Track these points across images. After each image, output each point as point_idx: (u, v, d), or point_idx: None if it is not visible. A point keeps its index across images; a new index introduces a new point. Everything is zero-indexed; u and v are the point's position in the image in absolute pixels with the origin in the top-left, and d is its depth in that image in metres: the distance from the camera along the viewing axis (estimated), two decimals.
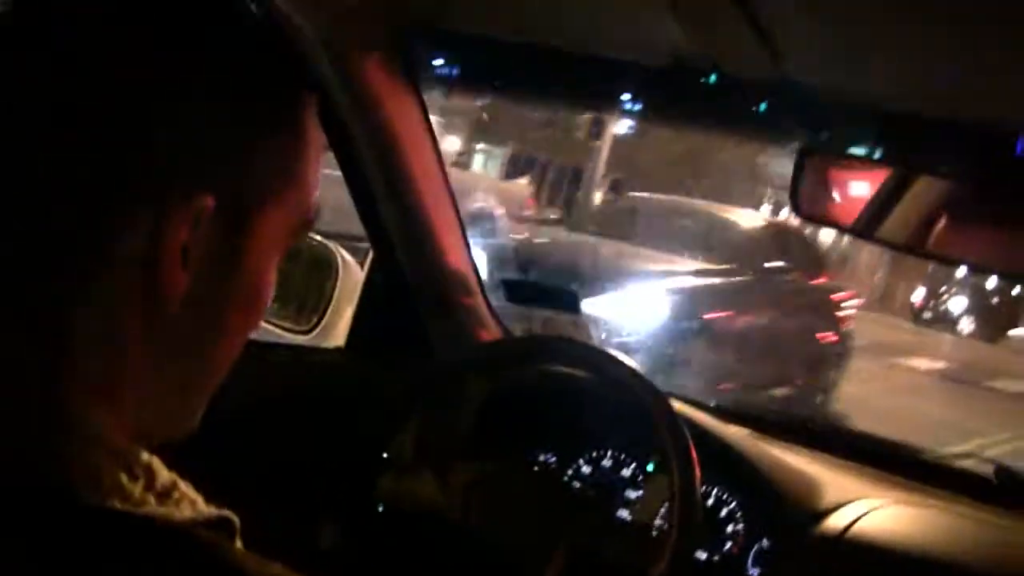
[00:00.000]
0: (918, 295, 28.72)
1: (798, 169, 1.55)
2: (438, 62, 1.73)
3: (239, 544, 0.68)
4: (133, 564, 0.61)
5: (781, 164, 15.80)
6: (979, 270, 1.80)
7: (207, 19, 0.70)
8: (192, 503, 0.68)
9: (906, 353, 15.11)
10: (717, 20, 1.23)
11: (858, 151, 1.58)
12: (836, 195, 1.61)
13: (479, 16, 1.55)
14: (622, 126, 20.31)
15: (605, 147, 20.66)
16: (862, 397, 9.26)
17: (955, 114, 1.42)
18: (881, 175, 1.56)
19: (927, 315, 27.19)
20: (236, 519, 0.68)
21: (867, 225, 1.58)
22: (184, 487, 0.68)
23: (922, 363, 14.96)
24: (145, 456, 0.67)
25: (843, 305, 9.90)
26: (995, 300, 24.74)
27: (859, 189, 1.59)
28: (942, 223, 1.52)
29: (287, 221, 0.76)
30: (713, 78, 1.47)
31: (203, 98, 0.68)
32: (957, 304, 26.23)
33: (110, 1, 0.68)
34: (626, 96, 1.68)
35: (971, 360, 16.45)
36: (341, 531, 1.64)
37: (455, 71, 1.77)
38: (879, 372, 12.19)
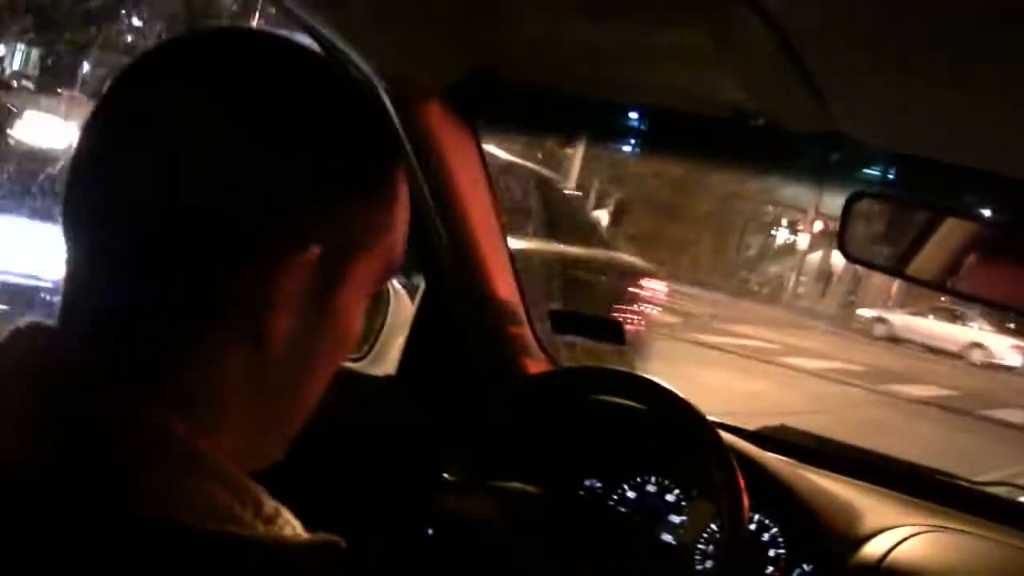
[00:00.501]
0: None
1: (846, 214, 1.62)
2: (497, 109, 1.79)
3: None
4: None
5: None
6: (1007, 309, 1.83)
7: (316, 96, 0.77)
8: (294, 529, 0.73)
9: None
10: (772, 76, 1.28)
11: (902, 196, 1.64)
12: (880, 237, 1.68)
13: (537, 68, 1.61)
14: None
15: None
16: None
17: (992, 164, 1.48)
18: (922, 218, 1.63)
19: None
20: (343, 542, 0.72)
21: (903, 264, 1.65)
22: (287, 514, 0.73)
23: None
24: (251, 485, 0.72)
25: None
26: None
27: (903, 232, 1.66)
28: (972, 263, 1.60)
29: (375, 269, 0.81)
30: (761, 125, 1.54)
31: (312, 164, 0.74)
32: None
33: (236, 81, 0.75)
34: (680, 143, 1.74)
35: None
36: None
37: (513, 118, 1.84)
38: None
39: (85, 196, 0.75)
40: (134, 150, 0.72)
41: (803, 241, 35.08)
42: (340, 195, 0.76)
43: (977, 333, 25.89)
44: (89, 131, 0.75)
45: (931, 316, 26.94)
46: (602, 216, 18.69)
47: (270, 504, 0.73)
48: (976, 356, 25.04)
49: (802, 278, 36.50)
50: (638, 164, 25.36)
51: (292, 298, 0.74)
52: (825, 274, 36.43)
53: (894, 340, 26.33)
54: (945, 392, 16.33)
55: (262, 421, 0.79)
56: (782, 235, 38.04)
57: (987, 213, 1.62)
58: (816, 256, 36.54)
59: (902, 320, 27.90)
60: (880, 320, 28.39)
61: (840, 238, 1.62)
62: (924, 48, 1.05)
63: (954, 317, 26.55)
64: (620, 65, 1.50)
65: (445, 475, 1.74)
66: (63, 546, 0.64)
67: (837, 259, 36.83)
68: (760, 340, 17.85)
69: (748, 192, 32.44)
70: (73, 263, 0.75)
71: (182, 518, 0.66)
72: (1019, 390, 19.60)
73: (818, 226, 33.24)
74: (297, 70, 0.78)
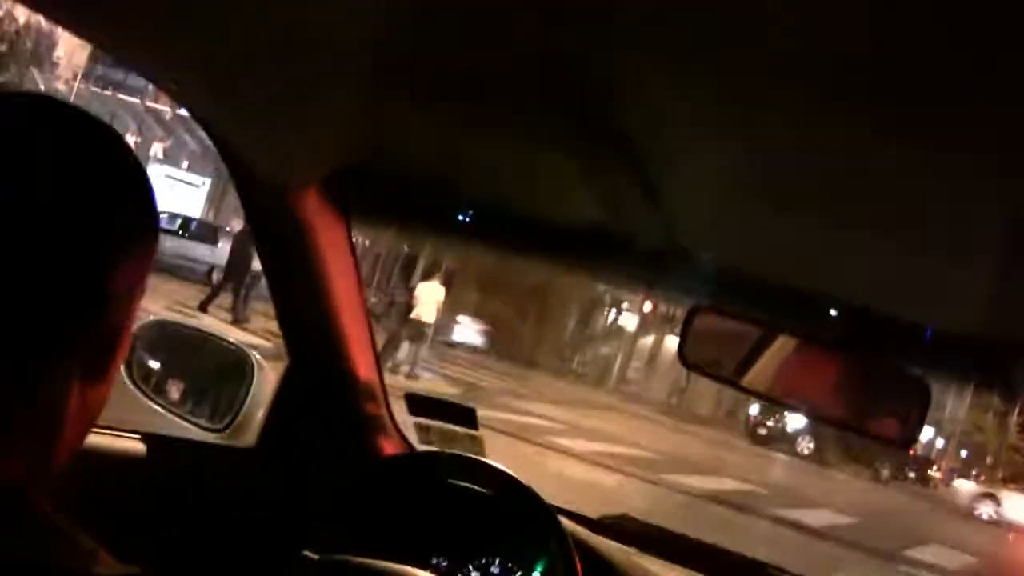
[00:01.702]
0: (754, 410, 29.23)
1: (686, 325, 1.73)
2: (369, 200, 1.87)
3: None
4: None
5: None
6: (824, 421, 1.93)
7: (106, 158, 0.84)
8: (108, 564, 0.78)
9: None
10: (626, 196, 1.39)
11: (739, 311, 1.74)
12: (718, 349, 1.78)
13: (408, 167, 1.69)
14: None
15: None
16: None
17: (818, 285, 1.59)
18: (756, 333, 1.74)
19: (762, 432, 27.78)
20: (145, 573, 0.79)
21: (739, 375, 1.76)
22: (103, 552, 0.78)
23: None
24: (66, 525, 0.78)
25: None
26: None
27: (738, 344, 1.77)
28: (795, 376, 1.71)
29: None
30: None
31: (129, 218, 0.83)
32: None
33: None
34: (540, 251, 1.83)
35: None
36: None
37: (384, 209, 1.92)
38: None
39: None
40: None
41: (632, 323, 34.93)
42: (144, 242, 0.85)
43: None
44: None
45: None
46: (432, 287, 18.41)
47: (87, 544, 0.78)
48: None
49: (634, 363, 36.31)
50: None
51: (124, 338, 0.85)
52: (654, 358, 36.37)
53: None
54: (737, 486, 15.78)
55: (77, 443, 0.86)
56: (610, 315, 37.80)
57: (818, 332, 1.73)
58: (648, 340, 36.56)
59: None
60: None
61: (680, 348, 1.72)
62: (768, 179, 1.15)
63: None
64: (477, 182, 1.58)
65: (301, 550, 1.78)
66: None
67: (671, 343, 36.87)
68: (543, 419, 17.40)
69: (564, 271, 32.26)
70: None
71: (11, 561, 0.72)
72: (825, 490, 19.43)
73: (647, 307, 33.22)
74: (90, 145, 0.83)
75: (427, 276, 20.41)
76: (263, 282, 2.05)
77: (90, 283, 0.79)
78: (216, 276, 20.95)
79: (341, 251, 1.95)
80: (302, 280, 1.94)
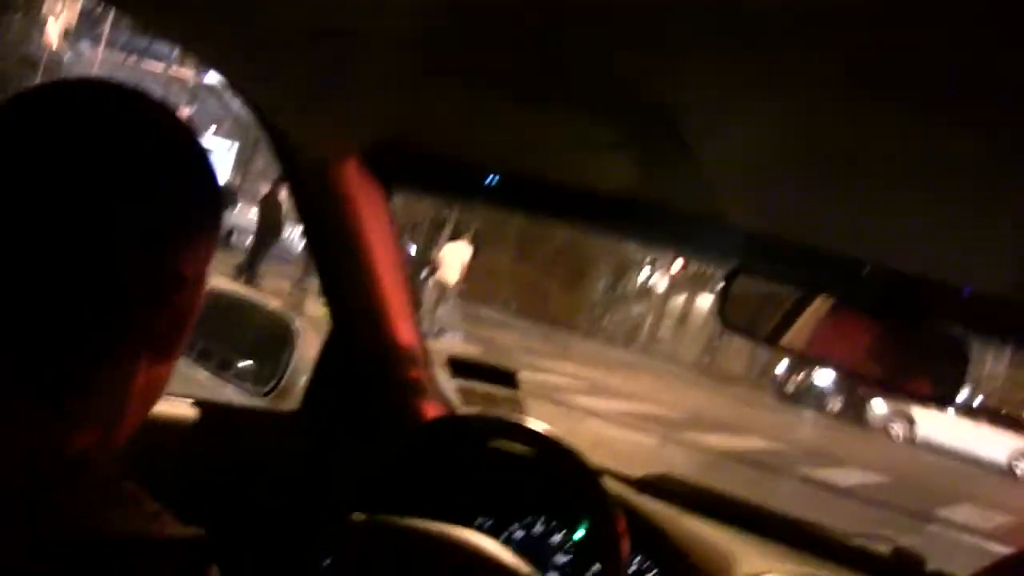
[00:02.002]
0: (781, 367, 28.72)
1: (725, 287, 1.74)
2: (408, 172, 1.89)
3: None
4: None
5: None
6: (864, 381, 1.93)
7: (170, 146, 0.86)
8: (172, 526, 0.81)
9: None
10: (664, 163, 1.40)
11: (777, 273, 1.75)
12: (756, 310, 1.79)
13: (446, 138, 1.70)
14: None
15: None
16: None
17: (855, 247, 1.59)
18: (792, 295, 1.75)
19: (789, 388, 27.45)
20: (212, 541, 0.82)
21: (777, 336, 1.77)
22: (167, 515, 0.81)
23: None
24: (132, 488, 0.81)
25: None
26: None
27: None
28: (834, 336, 1.72)
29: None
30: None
31: (181, 200, 0.85)
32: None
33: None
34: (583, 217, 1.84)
35: None
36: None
37: (424, 181, 1.94)
38: None
39: None
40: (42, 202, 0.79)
41: (663, 282, 34.46)
42: (209, 229, 0.89)
43: None
44: None
45: None
46: (457, 248, 18.22)
47: (151, 506, 0.81)
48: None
49: (666, 322, 35.81)
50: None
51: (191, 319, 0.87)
52: (687, 318, 35.98)
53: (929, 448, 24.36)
54: (764, 445, 15.23)
55: (142, 416, 0.90)
56: (641, 274, 37.19)
57: (856, 293, 1.73)
58: (680, 299, 36.14)
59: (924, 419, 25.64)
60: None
61: (719, 310, 1.73)
62: (802, 139, 1.15)
63: None
64: (523, 144, 1.59)
65: (346, 513, 1.81)
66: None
67: (702, 303, 36.48)
68: (564, 377, 17.15)
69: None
70: None
71: (68, 518, 0.75)
72: (855, 448, 18.57)
73: (677, 266, 32.81)
74: (141, 122, 0.86)
75: (454, 238, 20.33)
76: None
77: (163, 266, 0.83)
78: (235, 238, 21.02)
79: (381, 220, 1.97)
80: (344, 248, 1.97)
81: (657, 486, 2.17)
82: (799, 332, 1.75)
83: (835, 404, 26.81)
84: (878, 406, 26.31)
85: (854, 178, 1.23)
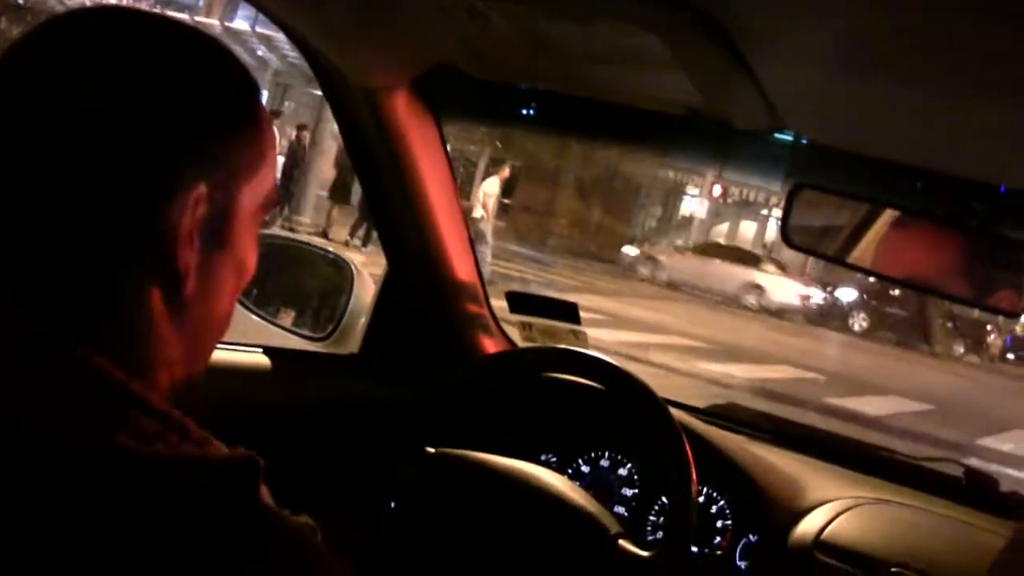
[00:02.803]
0: None
1: (788, 204, 1.69)
2: (459, 99, 1.86)
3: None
4: (171, 495, 0.75)
5: None
6: (936, 294, 1.90)
7: (173, 61, 0.86)
8: (219, 448, 0.82)
9: None
10: (721, 77, 1.34)
11: (842, 188, 1.71)
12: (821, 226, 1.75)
13: (497, 64, 1.67)
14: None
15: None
16: None
17: (920, 159, 1.55)
18: (859, 210, 1.71)
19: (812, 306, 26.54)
20: (259, 458, 0.82)
21: (844, 253, 1.73)
22: (216, 441, 0.83)
23: None
24: (178, 415, 0.82)
25: None
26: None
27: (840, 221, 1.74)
28: (903, 251, 1.68)
29: (259, 196, 0.92)
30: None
31: (178, 116, 0.84)
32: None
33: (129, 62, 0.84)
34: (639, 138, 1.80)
35: None
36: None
37: (475, 108, 1.90)
38: None
39: None
40: (28, 123, 0.81)
41: (702, 209, 33.48)
42: (213, 134, 0.86)
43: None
44: None
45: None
46: (489, 183, 18.05)
47: (198, 432, 0.82)
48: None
49: None
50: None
51: (190, 236, 0.84)
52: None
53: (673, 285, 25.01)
54: (792, 374, 14.32)
55: (185, 346, 0.90)
56: (680, 203, 36.35)
57: (922, 206, 1.69)
58: (723, 227, 35.57)
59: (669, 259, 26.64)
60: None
61: (783, 227, 1.69)
62: (865, 48, 1.12)
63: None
64: (578, 65, 1.55)
65: (407, 450, 1.79)
66: (12, 477, 0.73)
67: (746, 231, 35.93)
68: (584, 311, 16.18)
69: (640, 155, 30.99)
70: None
71: (115, 441, 0.75)
72: (890, 373, 17.15)
73: (716, 190, 31.92)
74: (157, 41, 0.87)
75: (487, 176, 20.18)
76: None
77: (144, 178, 0.82)
78: None
79: (434, 150, 1.94)
80: (397, 183, 1.95)
81: (724, 415, 2.15)
82: (867, 248, 1.70)
83: (859, 323, 26.24)
84: None
85: (924, 86, 1.20)
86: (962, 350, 24.60)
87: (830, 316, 25.53)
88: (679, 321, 17.84)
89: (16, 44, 0.85)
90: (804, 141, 1.70)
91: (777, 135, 1.75)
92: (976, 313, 21.52)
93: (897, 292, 25.38)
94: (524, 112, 1.78)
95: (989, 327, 24.96)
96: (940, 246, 1.67)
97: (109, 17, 0.87)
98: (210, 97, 0.87)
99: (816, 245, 1.79)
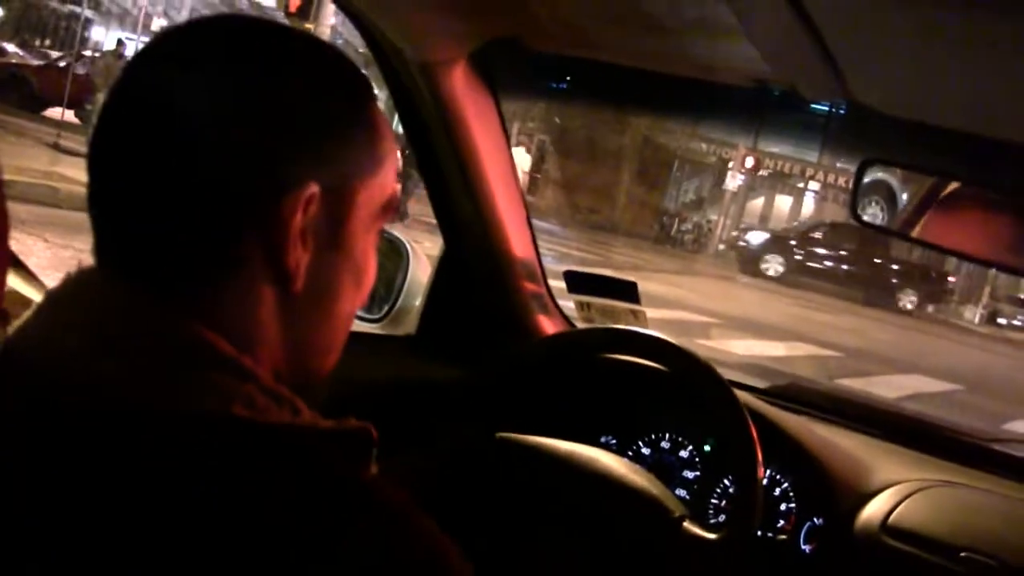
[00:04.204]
0: None
1: (857, 180, 1.66)
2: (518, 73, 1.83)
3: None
4: (284, 461, 0.77)
5: None
6: (1003, 269, 1.88)
7: (290, 62, 0.87)
8: (319, 420, 0.83)
9: None
10: (791, 48, 1.32)
11: (909, 162, 1.67)
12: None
13: (560, 37, 1.64)
14: None
15: None
16: None
17: (995, 132, 1.51)
18: (928, 183, 1.67)
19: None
20: (372, 429, 0.83)
21: (910, 227, 1.69)
22: (313, 413, 0.84)
23: None
24: (289, 393, 0.83)
25: None
26: None
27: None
28: (977, 227, 1.65)
29: (375, 200, 0.92)
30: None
31: (294, 114, 0.85)
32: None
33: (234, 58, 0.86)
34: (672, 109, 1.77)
35: None
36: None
37: (528, 82, 1.87)
38: None
39: (112, 163, 0.85)
40: (149, 126, 0.83)
41: (734, 183, 32.06)
42: (326, 135, 0.86)
43: None
44: (109, 110, 0.85)
45: None
46: (520, 155, 17.86)
47: (307, 411, 0.84)
48: None
49: (742, 225, 33.19)
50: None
51: (301, 235, 0.84)
52: (766, 220, 34.27)
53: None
54: (808, 351, 13.52)
55: (296, 350, 0.91)
56: (710, 176, 35.61)
57: (992, 179, 1.66)
58: (759, 201, 35.07)
59: None
60: None
61: (852, 204, 1.66)
62: (935, 16, 1.09)
63: None
64: (643, 36, 1.53)
65: (467, 432, 1.78)
66: (140, 441, 0.76)
67: (782, 204, 35.48)
68: None
69: (671, 127, 30.97)
70: (104, 216, 0.86)
71: (231, 410, 0.78)
72: (919, 350, 16.52)
73: (749, 162, 31.30)
74: (272, 45, 0.88)
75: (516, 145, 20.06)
76: None
77: (257, 175, 0.83)
78: None
79: (492, 126, 1.92)
80: (454, 159, 1.92)
81: (787, 395, 2.12)
82: (932, 221, 1.67)
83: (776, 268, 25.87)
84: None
85: (984, 54, 1.17)
86: (915, 300, 24.71)
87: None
88: (701, 297, 17.52)
89: (153, 40, 0.89)
90: (842, 111, 1.67)
91: (813, 105, 1.71)
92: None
93: (820, 235, 25.55)
94: (562, 86, 1.74)
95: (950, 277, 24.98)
96: (1007, 219, 1.63)
97: (224, 21, 0.90)
98: (323, 98, 0.87)
99: (884, 221, 1.76)
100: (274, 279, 0.86)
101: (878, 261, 24.93)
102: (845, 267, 25.45)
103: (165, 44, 0.88)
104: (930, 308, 26.34)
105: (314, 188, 0.84)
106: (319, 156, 0.86)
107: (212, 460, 0.76)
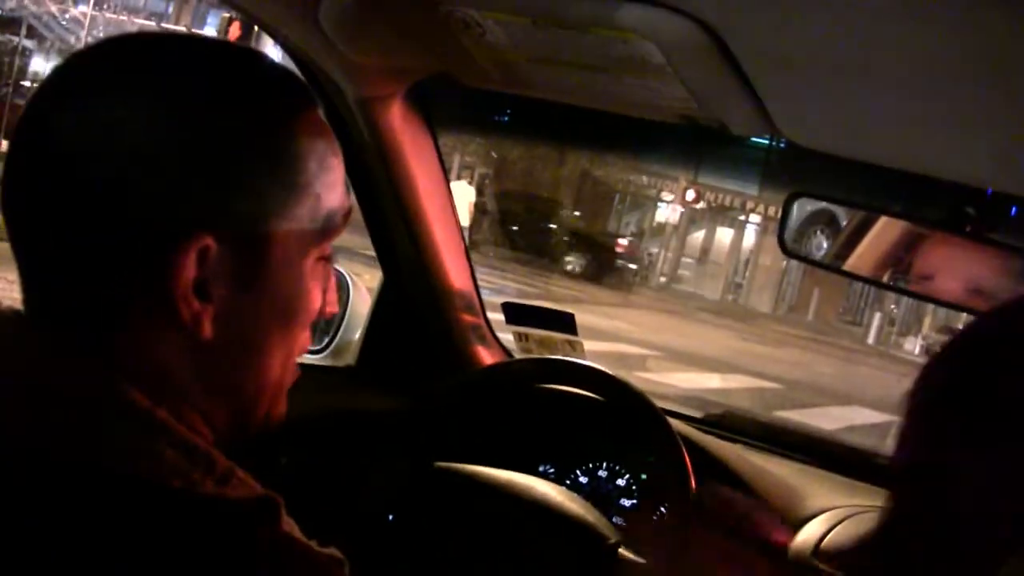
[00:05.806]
0: None
1: (785, 212, 1.70)
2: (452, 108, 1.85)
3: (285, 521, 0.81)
4: (181, 536, 0.74)
5: None
6: (936, 302, 1.91)
7: (189, 92, 0.82)
8: (247, 488, 0.80)
9: None
10: (718, 87, 1.34)
11: (838, 196, 1.71)
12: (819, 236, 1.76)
13: (493, 73, 1.67)
14: None
15: None
16: None
17: (918, 168, 1.55)
18: (855, 217, 1.71)
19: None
20: (280, 499, 0.80)
21: (840, 261, 1.73)
22: (241, 474, 0.80)
23: None
24: (204, 447, 0.80)
25: None
26: None
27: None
28: (904, 259, 1.69)
29: (305, 225, 0.85)
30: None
31: (185, 157, 0.79)
32: None
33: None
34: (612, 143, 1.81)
35: None
36: None
37: (467, 116, 1.90)
38: None
39: (13, 207, 0.82)
40: (38, 170, 0.81)
41: (676, 216, 32.46)
42: (219, 183, 0.80)
43: None
44: (10, 153, 0.82)
45: None
46: (460, 188, 17.69)
47: (223, 464, 0.80)
48: None
49: (686, 259, 34.05)
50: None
51: (199, 285, 0.80)
52: (707, 253, 34.31)
53: None
54: (747, 383, 13.56)
55: (226, 398, 0.87)
56: (655, 210, 35.50)
57: (917, 213, 1.70)
58: (699, 234, 35.32)
59: None
60: None
61: (780, 236, 1.70)
62: (859, 55, 1.11)
63: None
64: (572, 74, 1.55)
65: (404, 462, 1.79)
66: (41, 495, 0.74)
67: (723, 236, 35.61)
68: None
69: (612, 161, 30.93)
70: (19, 259, 0.83)
71: (137, 471, 0.75)
72: (865, 382, 16.74)
73: (690, 195, 31.06)
74: (166, 72, 0.83)
75: (458, 178, 19.97)
76: None
77: (142, 226, 0.79)
78: None
79: (430, 159, 1.94)
80: (392, 192, 1.94)
81: (721, 423, 2.14)
82: (863, 255, 1.71)
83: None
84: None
85: (911, 92, 1.20)
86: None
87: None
88: (639, 329, 17.36)
89: (50, 75, 0.84)
90: (782, 144, 1.71)
91: (753, 139, 1.76)
92: None
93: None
94: (502, 120, 1.77)
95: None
96: (938, 252, 1.67)
97: (123, 45, 0.85)
98: (218, 138, 0.81)
99: (813, 254, 1.80)
100: (176, 328, 0.81)
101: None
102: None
103: (56, 79, 0.83)
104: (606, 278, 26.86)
105: (206, 240, 0.79)
106: (212, 205, 0.80)
107: (91, 517, 0.73)
